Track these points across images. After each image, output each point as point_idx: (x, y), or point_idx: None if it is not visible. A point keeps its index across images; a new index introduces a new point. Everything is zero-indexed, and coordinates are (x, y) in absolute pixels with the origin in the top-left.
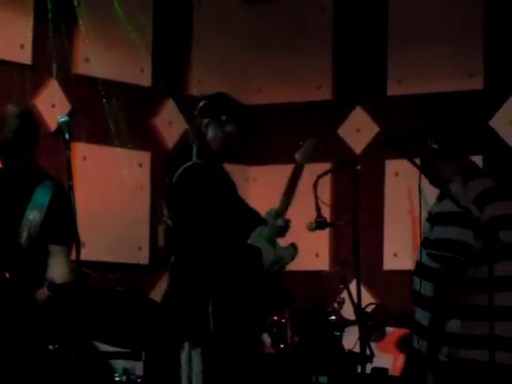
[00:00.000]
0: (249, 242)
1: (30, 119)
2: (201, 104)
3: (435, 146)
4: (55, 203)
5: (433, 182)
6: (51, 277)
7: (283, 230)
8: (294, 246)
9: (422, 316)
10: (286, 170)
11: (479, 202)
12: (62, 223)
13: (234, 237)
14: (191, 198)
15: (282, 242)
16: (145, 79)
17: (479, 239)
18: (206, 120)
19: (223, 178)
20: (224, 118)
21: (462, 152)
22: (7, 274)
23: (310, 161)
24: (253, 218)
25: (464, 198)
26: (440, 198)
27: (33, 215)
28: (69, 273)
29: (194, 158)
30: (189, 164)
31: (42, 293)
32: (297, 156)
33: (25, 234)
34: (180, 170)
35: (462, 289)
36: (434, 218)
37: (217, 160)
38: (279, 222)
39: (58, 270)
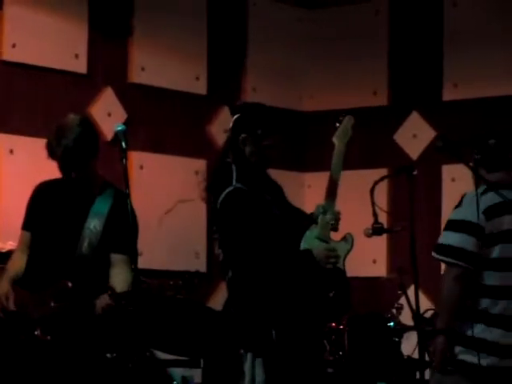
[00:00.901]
0: (301, 244)
1: (91, 128)
2: (234, 118)
3: (478, 157)
4: (115, 212)
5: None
6: (112, 285)
7: (334, 224)
8: (347, 238)
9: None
10: (342, 176)
11: (489, 213)
12: (122, 232)
13: (283, 251)
14: (235, 224)
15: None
16: (200, 87)
17: (486, 248)
18: (242, 136)
19: (267, 188)
20: (260, 131)
21: (502, 164)
22: (69, 283)
23: (348, 139)
24: (303, 220)
25: (473, 207)
26: (456, 207)
27: (93, 224)
28: (129, 281)
29: (234, 182)
30: (230, 189)
31: (104, 299)
32: (334, 140)
33: (86, 243)
34: (222, 196)
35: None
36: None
37: (258, 171)
38: (328, 217)
39: (118, 278)
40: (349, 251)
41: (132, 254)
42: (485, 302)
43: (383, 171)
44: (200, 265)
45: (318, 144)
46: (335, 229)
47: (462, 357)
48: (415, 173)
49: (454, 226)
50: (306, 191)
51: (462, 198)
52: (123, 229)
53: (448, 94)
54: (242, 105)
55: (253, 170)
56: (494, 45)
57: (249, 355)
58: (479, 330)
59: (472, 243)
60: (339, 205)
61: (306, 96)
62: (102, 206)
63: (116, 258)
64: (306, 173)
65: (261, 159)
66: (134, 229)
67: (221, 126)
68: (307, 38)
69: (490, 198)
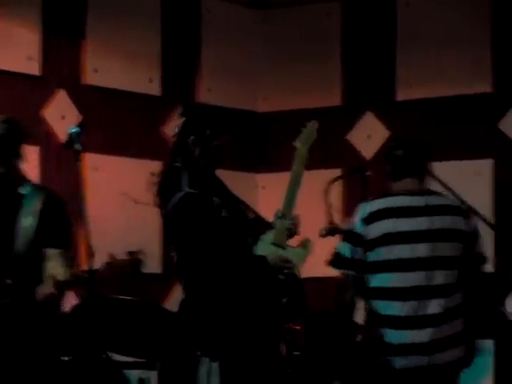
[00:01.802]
0: (257, 250)
1: (17, 127)
2: (181, 121)
3: (388, 168)
4: (48, 208)
5: None
6: (51, 274)
7: (293, 230)
8: (305, 243)
9: None
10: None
11: (367, 220)
12: (56, 227)
13: (238, 254)
14: (188, 230)
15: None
16: (154, 88)
17: (366, 252)
18: (191, 138)
19: (217, 190)
20: (208, 132)
21: (409, 172)
22: (8, 281)
23: (310, 144)
24: (259, 225)
25: (356, 216)
26: None
27: (27, 222)
28: (67, 273)
29: (184, 186)
30: (181, 194)
31: (46, 287)
32: (297, 144)
33: (21, 241)
34: (174, 201)
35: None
36: None
37: (208, 173)
38: (286, 222)
39: (56, 270)
40: (305, 257)
41: (68, 248)
42: (370, 304)
43: (337, 172)
44: (155, 266)
45: (272, 145)
46: (294, 233)
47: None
48: (369, 173)
49: (343, 235)
50: (259, 192)
51: None
52: (57, 224)
53: (401, 94)
54: (187, 108)
55: (203, 172)
56: (447, 45)
57: (206, 359)
58: (375, 332)
59: (354, 251)
60: None
61: (261, 97)
62: (33, 204)
63: (51, 252)
64: (260, 174)
65: (211, 160)
66: (68, 224)
67: (175, 127)
68: (261, 38)
69: (375, 205)
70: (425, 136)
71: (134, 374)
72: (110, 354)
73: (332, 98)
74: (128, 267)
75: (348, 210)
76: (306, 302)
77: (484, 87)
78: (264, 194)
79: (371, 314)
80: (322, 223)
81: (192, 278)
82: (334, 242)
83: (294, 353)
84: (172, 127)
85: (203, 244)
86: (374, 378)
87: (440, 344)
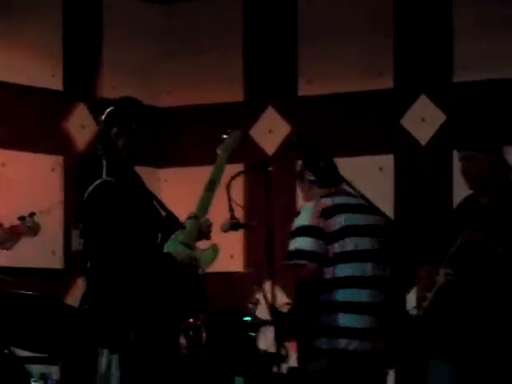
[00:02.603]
0: (165, 247)
1: None
2: (107, 111)
3: (312, 178)
4: None
5: None
6: None
7: (203, 233)
8: (213, 248)
9: None
10: (198, 171)
11: (325, 214)
12: None
13: (147, 247)
14: (102, 216)
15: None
16: (56, 83)
17: (328, 245)
18: (115, 129)
19: (136, 185)
20: (134, 125)
21: (333, 181)
22: None
23: (230, 152)
24: (170, 223)
25: (311, 211)
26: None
27: None
28: None
29: (104, 175)
30: (99, 182)
31: None
32: (219, 151)
33: None
34: (90, 189)
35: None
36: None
37: (128, 165)
38: (197, 224)
39: None
40: (212, 261)
41: None
42: (338, 293)
43: (239, 167)
44: (56, 262)
45: (174, 139)
46: (204, 237)
47: (327, 346)
48: (271, 168)
49: (297, 232)
50: (162, 185)
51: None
52: None
53: (303, 90)
54: (115, 99)
55: (123, 163)
56: (347, 42)
57: (105, 351)
58: (340, 319)
59: (315, 244)
60: (187, 199)
61: (164, 91)
62: None
63: None
64: (162, 168)
65: (133, 153)
66: None
67: (77, 122)
68: (163, 33)
69: (325, 202)
70: (327, 132)
71: (35, 369)
72: (11, 348)
73: (234, 93)
74: (23, 231)
75: (250, 205)
76: (207, 299)
77: (386, 83)
78: (167, 186)
79: (333, 303)
80: (223, 218)
81: (96, 264)
82: (236, 237)
83: (196, 348)
84: (73, 122)
85: (112, 233)
86: (331, 360)
87: (381, 331)
